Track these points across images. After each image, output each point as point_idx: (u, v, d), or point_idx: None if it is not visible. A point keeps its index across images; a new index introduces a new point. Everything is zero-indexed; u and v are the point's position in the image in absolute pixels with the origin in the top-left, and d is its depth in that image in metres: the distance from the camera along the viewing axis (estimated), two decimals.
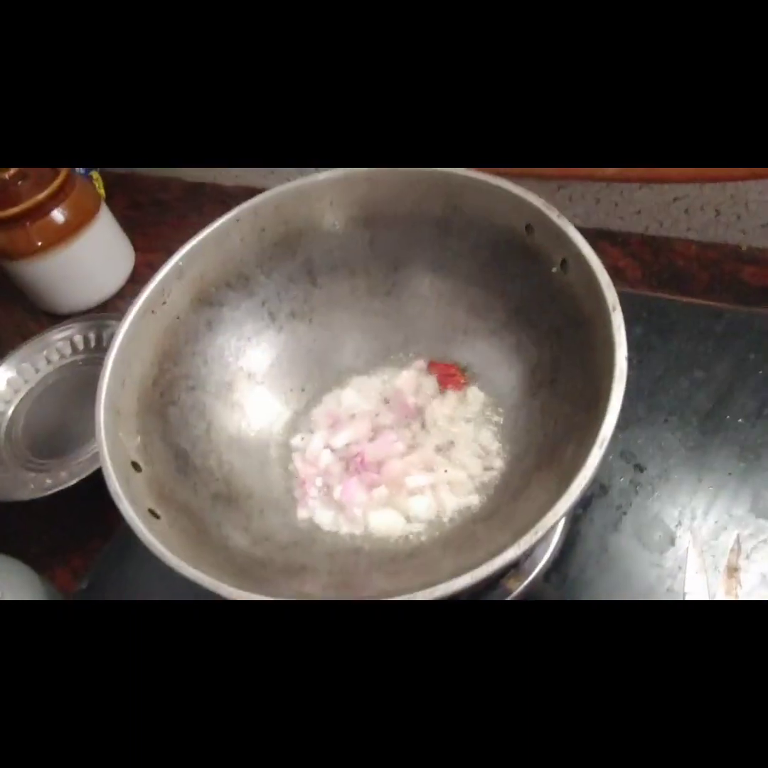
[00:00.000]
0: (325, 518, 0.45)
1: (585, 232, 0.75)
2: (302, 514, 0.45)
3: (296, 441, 0.48)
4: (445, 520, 0.43)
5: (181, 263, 0.47)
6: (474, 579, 0.32)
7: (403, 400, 0.48)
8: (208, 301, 0.49)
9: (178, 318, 0.47)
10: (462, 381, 0.48)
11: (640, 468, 0.49)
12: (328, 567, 0.42)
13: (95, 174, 1.00)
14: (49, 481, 0.62)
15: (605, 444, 0.34)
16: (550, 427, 0.42)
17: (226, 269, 0.49)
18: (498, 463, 0.45)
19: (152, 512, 0.39)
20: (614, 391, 0.35)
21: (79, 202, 0.83)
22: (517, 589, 0.45)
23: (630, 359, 0.50)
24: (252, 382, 0.50)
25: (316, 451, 0.47)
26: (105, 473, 0.38)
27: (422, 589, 0.32)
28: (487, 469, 0.45)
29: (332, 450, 0.47)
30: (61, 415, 0.69)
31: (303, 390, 0.51)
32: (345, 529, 0.44)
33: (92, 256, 0.85)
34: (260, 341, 0.51)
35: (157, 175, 1.03)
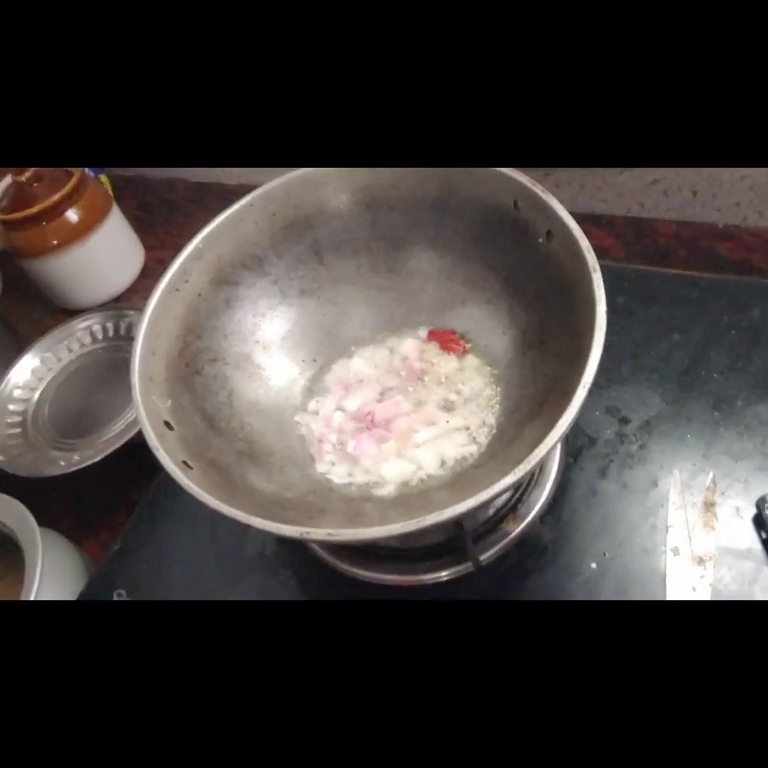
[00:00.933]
0: (341, 470, 0.49)
1: (574, 215, 0.79)
2: (321, 468, 0.50)
3: (312, 404, 0.53)
4: (449, 467, 0.48)
5: (200, 245, 0.51)
6: (477, 501, 0.36)
7: (408, 364, 0.53)
8: (226, 280, 0.53)
9: (199, 295, 0.52)
10: (461, 346, 0.53)
11: (624, 421, 0.53)
12: (344, 509, 0.46)
13: (103, 177, 1.04)
14: (76, 457, 0.66)
15: (588, 384, 0.38)
16: (540, 382, 0.47)
17: (241, 251, 0.54)
18: (494, 417, 0.49)
19: (186, 464, 0.43)
20: (596, 339, 0.39)
21: (92, 203, 0.88)
22: (515, 530, 0.50)
23: (614, 325, 0.55)
24: (267, 353, 0.54)
25: (330, 412, 0.52)
26: (144, 429, 0.43)
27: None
28: (484, 422, 0.49)
29: (344, 411, 0.52)
30: (84, 399, 0.74)
31: (315, 360, 0.56)
32: (359, 479, 0.49)
33: (105, 253, 0.89)
34: (274, 316, 0.55)
35: (163, 176, 1.08)
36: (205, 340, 0.52)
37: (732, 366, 0.54)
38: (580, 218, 0.84)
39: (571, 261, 0.45)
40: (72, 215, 0.85)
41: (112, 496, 0.69)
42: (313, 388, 0.54)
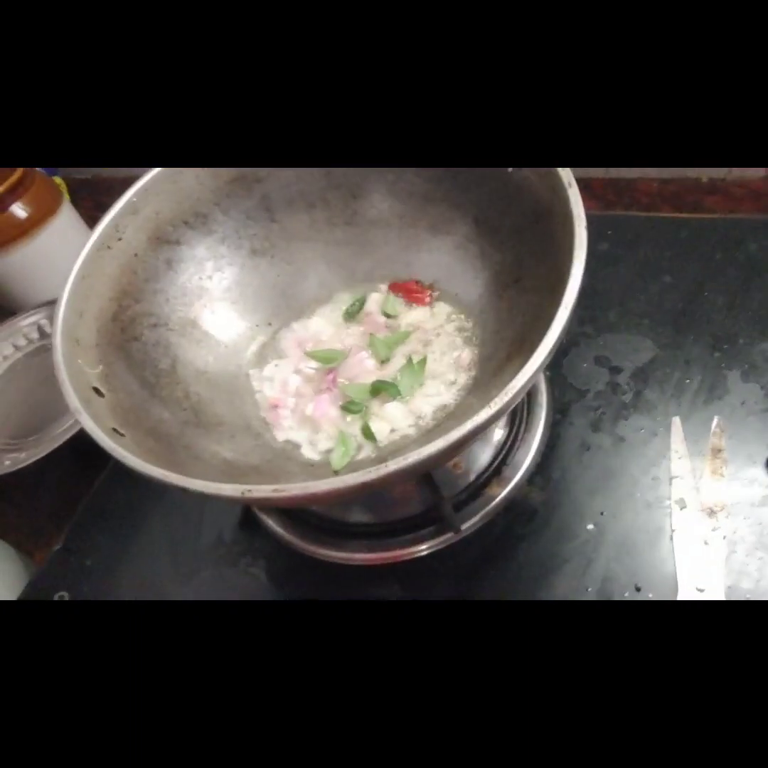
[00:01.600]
0: (301, 436, 0.44)
1: None
2: (279, 435, 0.44)
3: (269, 369, 0.47)
4: (424, 422, 0.42)
5: (134, 199, 0.46)
6: (446, 442, 0.31)
7: (372, 319, 0.47)
8: (166, 239, 0.48)
9: (135, 255, 0.46)
10: (427, 296, 0.48)
11: (616, 370, 0.48)
12: (306, 477, 0.40)
13: (58, 179, 1.00)
14: (23, 455, 0.60)
15: (571, 305, 0.33)
16: (518, 322, 0.42)
17: (182, 208, 0.49)
18: (468, 366, 0.44)
19: (116, 431, 0.37)
20: (576, 257, 0.34)
21: (40, 197, 0.82)
22: (500, 494, 0.44)
23: (598, 273, 0.50)
24: (216, 317, 0.49)
25: (287, 376, 0.46)
26: (64, 392, 0.37)
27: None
28: (458, 373, 0.44)
29: (303, 373, 0.46)
30: (31, 397, 0.68)
31: (269, 324, 0.50)
32: (323, 445, 0.43)
33: (56, 250, 0.84)
34: (222, 278, 0.50)
35: (120, 175, 1.03)
36: (144, 304, 0.46)
37: (731, 304, 0.49)
38: None
39: (544, 184, 0.40)
40: (17, 210, 0.80)
41: (64, 502, 0.63)
42: (268, 352, 0.49)
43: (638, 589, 0.39)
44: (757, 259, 0.50)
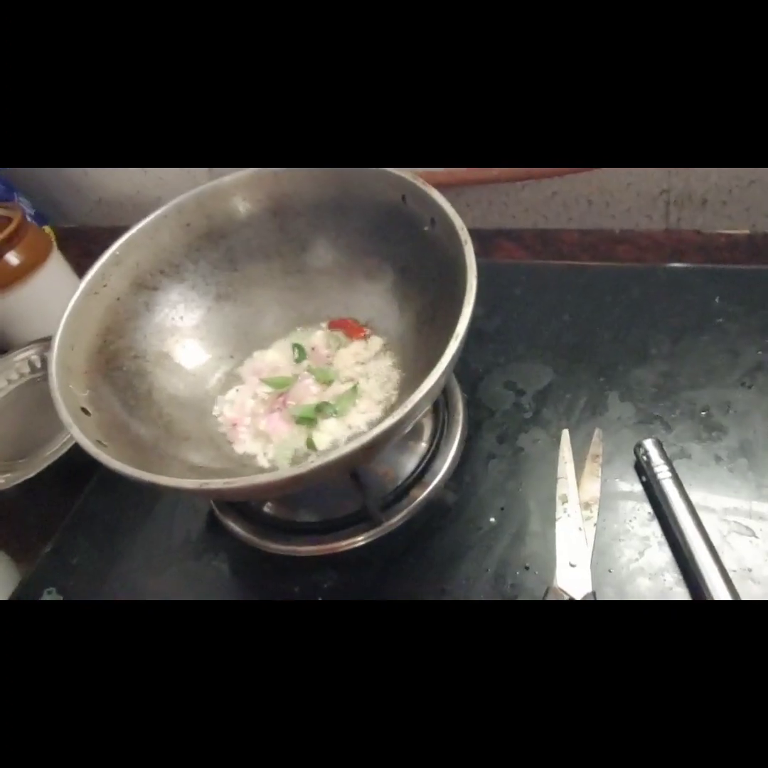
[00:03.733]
0: (255, 448, 0.53)
1: (484, 232, 0.86)
2: (238, 449, 0.53)
3: (231, 393, 0.57)
4: (358, 432, 0.52)
5: (117, 253, 0.56)
6: (359, 443, 0.39)
7: (317, 352, 0.57)
8: (145, 285, 0.57)
9: (118, 299, 0.56)
10: (363, 331, 0.57)
11: (520, 392, 0.58)
12: None
13: (47, 227, 1.09)
14: (15, 474, 0.68)
15: (460, 336, 0.43)
16: (431, 351, 0.51)
17: (158, 259, 0.58)
18: (395, 388, 0.54)
19: (99, 442, 0.46)
20: (467, 300, 0.44)
21: (32, 246, 0.92)
22: (420, 495, 0.53)
23: (512, 312, 0.60)
24: (186, 351, 0.58)
25: (243, 399, 0.55)
26: (59, 411, 0.46)
27: None
28: (388, 393, 0.53)
29: (258, 397, 0.55)
30: (24, 425, 0.76)
31: (232, 356, 0.60)
32: (271, 454, 0.52)
33: (46, 294, 0.93)
34: (192, 318, 0.59)
35: (106, 224, 1.13)
36: (125, 339, 0.56)
37: (614, 338, 0.59)
38: (492, 234, 0.91)
39: (450, 241, 0.49)
40: (11, 258, 0.89)
41: (50, 515, 0.70)
42: (231, 380, 0.58)
43: (527, 568, 0.48)
44: (638, 301, 0.61)
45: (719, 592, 0.42)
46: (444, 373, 0.42)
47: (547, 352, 0.60)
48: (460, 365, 0.60)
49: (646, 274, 0.64)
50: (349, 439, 0.52)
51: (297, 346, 0.58)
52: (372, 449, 0.42)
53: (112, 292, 0.55)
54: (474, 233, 0.93)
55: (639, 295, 0.61)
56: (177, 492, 0.41)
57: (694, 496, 0.47)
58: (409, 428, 0.46)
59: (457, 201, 0.88)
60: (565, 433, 0.53)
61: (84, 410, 0.49)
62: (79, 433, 0.45)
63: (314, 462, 0.39)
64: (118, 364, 0.54)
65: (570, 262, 0.69)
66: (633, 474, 0.50)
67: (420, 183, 0.53)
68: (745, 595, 0.42)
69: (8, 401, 0.79)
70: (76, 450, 0.66)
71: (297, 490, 0.47)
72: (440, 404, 0.57)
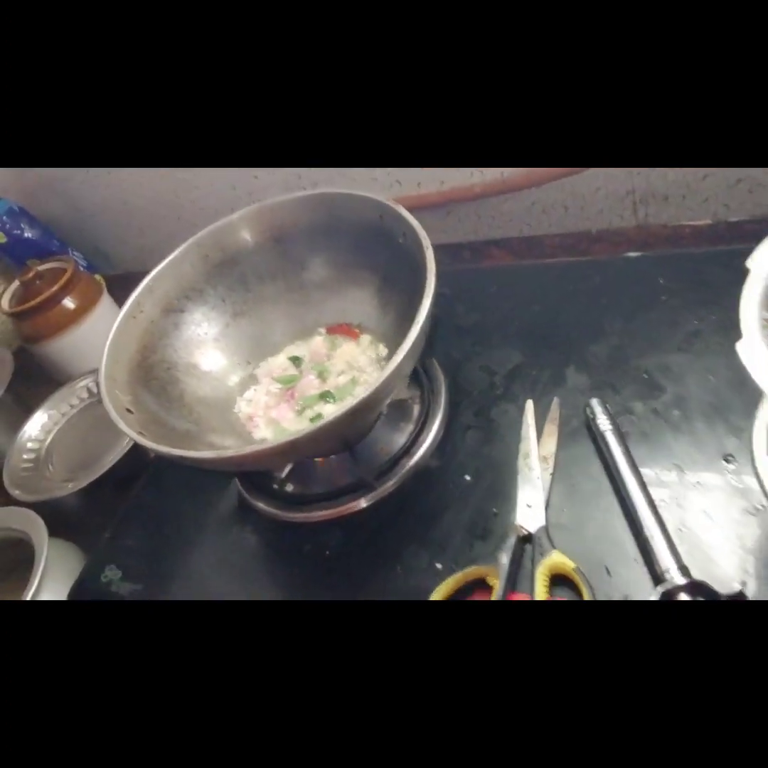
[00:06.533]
0: (268, 433, 0.63)
1: (477, 243, 0.95)
2: (256, 435, 0.64)
3: (249, 393, 0.68)
4: None
5: (150, 284, 0.68)
6: (340, 410, 0.49)
7: (317, 354, 0.68)
8: (173, 308, 0.69)
9: (152, 322, 0.68)
10: (356, 333, 0.68)
11: (494, 373, 0.67)
12: None
13: (98, 275, 1.24)
14: (76, 483, 0.81)
15: (419, 324, 0.53)
16: None
17: (183, 286, 0.70)
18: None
19: (141, 434, 0.57)
20: (426, 294, 0.54)
21: (84, 292, 1.06)
22: (409, 464, 0.63)
23: (489, 307, 0.70)
24: (211, 361, 0.70)
25: (260, 397, 0.66)
26: (108, 411, 0.57)
27: None
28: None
29: (271, 393, 0.66)
30: (84, 441, 0.89)
31: (248, 362, 0.71)
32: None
33: (98, 333, 1.06)
34: (214, 333, 0.71)
35: (149, 268, 1.27)
36: (159, 354, 0.67)
37: (576, 321, 0.68)
38: (483, 244, 1.00)
39: (418, 250, 0.60)
40: (68, 303, 1.03)
41: (106, 514, 0.82)
42: (248, 381, 0.69)
43: (495, 514, 0.57)
44: (598, 288, 0.69)
45: (648, 522, 0.50)
46: (407, 355, 0.52)
47: (518, 338, 0.69)
48: (443, 356, 0.70)
49: (605, 265, 0.72)
50: None
51: (294, 359, 0.69)
52: (353, 416, 0.51)
53: (147, 316, 0.67)
54: (467, 245, 1.04)
55: (599, 283, 0.70)
56: (201, 462, 0.52)
57: (635, 445, 0.55)
58: (386, 400, 0.56)
59: (449, 218, 0.99)
60: (529, 403, 0.62)
61: (128, 410, 0.60)
62: (124, 426, 0.56)
63: (304, 430, 0.50)
64: (154, 374, 0.66)
65: (540, 260, 0.78)
66: (584, 432, 0.59)
67: (392, 203, 0.63)
68: (671, 522, 0.51)
69: (71, 422, 0.92)
70: (126, 460, 0.78)
71: (297, 457, 0.57)
72: (425, 389, 0.67)
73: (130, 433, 0.55)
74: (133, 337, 0.66)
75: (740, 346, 0.41)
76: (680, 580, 0.46)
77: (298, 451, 0.52)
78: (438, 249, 0.96)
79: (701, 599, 0.45)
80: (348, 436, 0.58)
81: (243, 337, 0.72)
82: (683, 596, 0.45)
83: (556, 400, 0.62)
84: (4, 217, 1.13)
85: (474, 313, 0.73)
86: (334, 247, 0.69)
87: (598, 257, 0.79)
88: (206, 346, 0.70)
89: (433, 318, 0.65)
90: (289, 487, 0.67)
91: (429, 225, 0.64)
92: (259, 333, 0.72)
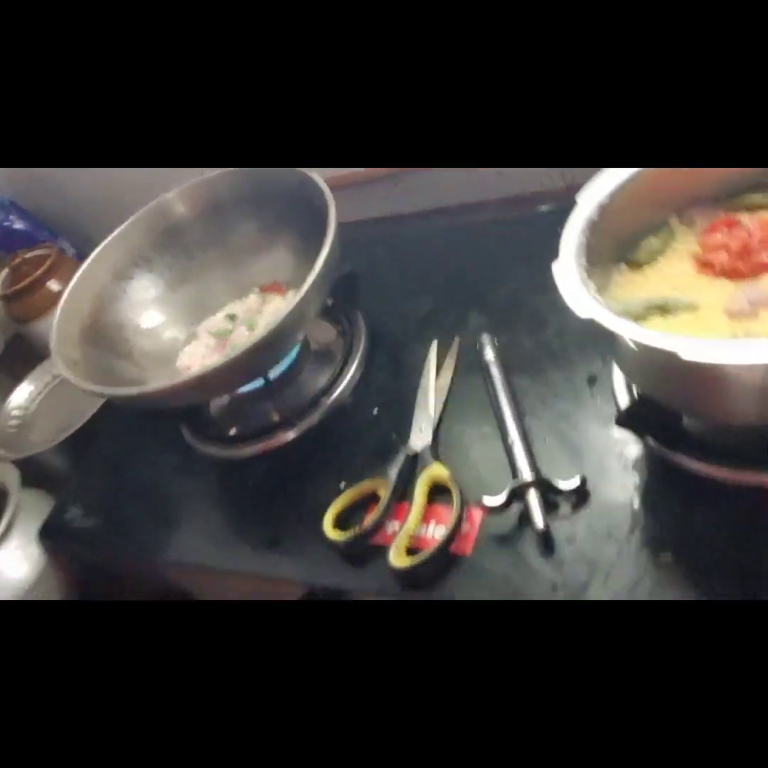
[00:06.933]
0: None
1: (423, 213, 1.01)
2: None
3: (188, 348, 0.76)
4: None
5: (101, 252, 0.76)
6: (250, 341, 0.57)
7: (250, 310, 0.75)
8: (123, 276, 0.77)
9: (104, 288, 0.76)
10: (283, 289, 0.75)
11: (410, 319, 0.74)
12: None
13: None
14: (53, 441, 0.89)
15: (317, 270, 0.60)
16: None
17: (133, 255, 0.78)
18: None
19: (73, 372, 0.65)
20: (325, 244, 0.61)
21: (68, 275, 1.13)
22: (328, 402, 0.70)
23: (408, 263, 0.77)
24: (157, 321, 0.78)
25: (196, 350, 0.74)
26: (56, 364, 0.66)
27: None
28: None
29: (209, 347, 0.74)
30: (64, 408, 0.98)
31: (191, 322, 0.79)
32: None
33: None
34: (160, 296, 0.79)
35: None
36: (110, 316, 0.76)
37: (484, 272, 0.74)
38: (429, 212, 1.06)
39: (326, 209, 0.66)
40: (52, 285, 1.12)
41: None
42: (189, 337, 0.77)
43: (394, 439, 0.63)
44: (509, 242, 0.76)
45: (512, 432, 0.57)
46: (304, 297, 0.60)
47: (432, 290, 0.76)
48: (366, 308, 0.77)
49: (519, 221, 0.79)
50: None
51: (230, 316, 0.77)
52: (256, 351, 0.59)
53: (98, 282, 0.76)
54: (416, 215, 1.10)
55: (511, 237, 0.76)
56: (126, 397, 0.60)
57: (518, 374, 0.62)
58: (290, 336, 0.64)
59: (395, 189, 1.06)
60: (434, 344, 0.69)
61: (75, 362, 0.68)
62: (69, 374, 0.64)
63: (216, 362, 0.57)
64: (104, 333, 0.74)
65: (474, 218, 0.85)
66: (476, 366, 0.65)
67: (307, 171, 0.70)
68: (538, 434, 0.57)
69: (54, 391, 1.02)
70: (94, 419, 0.86)
71: (214, 389, 0.65)
72: (347, 338, 0.74)
73: (68, 376, 0.64)
74: (85, 301, 0.74)
75: (555, 266, 0.48)
76: (529, 477, 0.53)
77: (210, 382, 0.59)
78: (385, 219, 1.03)
79: (546, 491, 0.52)
80: (257, 369, 0.65)
81: (186, 299, 0.79)
82: (532, 491, 0.52)
83: (456, 339, 0.68)
84: None
85: (396, 271, 0.80)
86: (263, 215, 0.77)
87: (506, 213, 0.84)
88: (153, 308, 0.78)
89: (356, 276, 0.73)
90: (232, 431, 0.74)
91: (380, 195, 0.71)
92: (201, 296, 0.80)
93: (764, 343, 0.36)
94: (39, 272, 1.10)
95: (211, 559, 0.64)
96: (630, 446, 0.54)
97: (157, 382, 0.59)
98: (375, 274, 0.80)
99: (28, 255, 1.16)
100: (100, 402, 0.90)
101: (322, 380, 0.72)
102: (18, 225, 1.25)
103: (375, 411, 0.67)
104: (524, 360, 0.64)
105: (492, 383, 0.62)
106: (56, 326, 0.70)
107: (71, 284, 0.74)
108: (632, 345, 0.42)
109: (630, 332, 0.40)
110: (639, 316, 0.48)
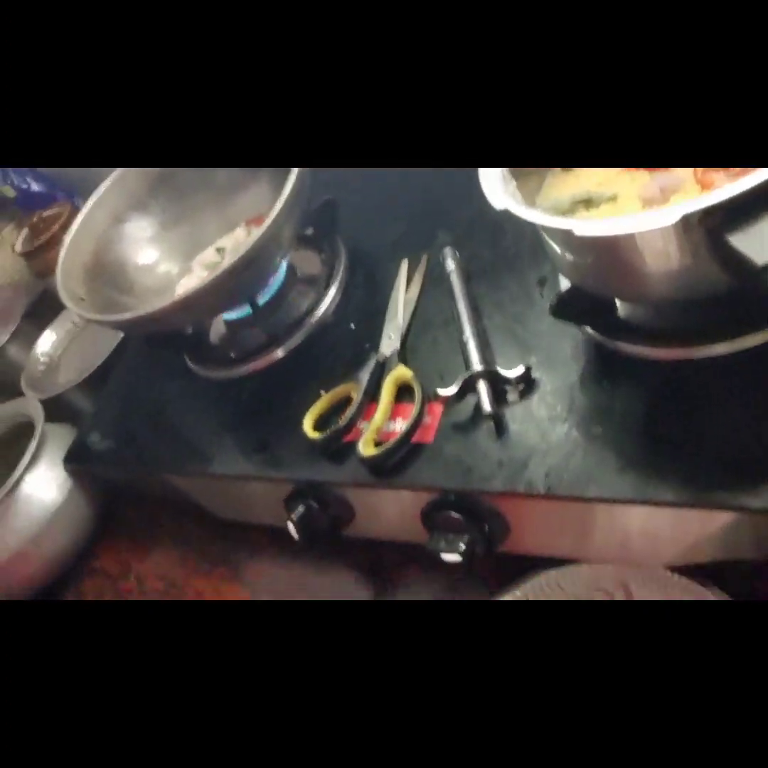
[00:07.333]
0: None
1: None
2: None
3: (184, 280, 0.82)
4: None
5: (101, 196, 0.82)
6: (228, 263, 0.63)
7: (238, 243, 0.81)
8: (121, 219, 0.84)
9: (104, 230, 0.82)
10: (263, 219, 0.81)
11: (385, 244, 0.79)
12: None
13: None
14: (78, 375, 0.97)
15: (283, 198, 0.65)
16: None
17: (130, 200, 0.84)
18: None
19: (80, 304, 0.72)
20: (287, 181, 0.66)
21: None
22: (312, 321, 0.76)
23: (384, 195, 0.81)
24: (154, 257, 0.84)
25: (191, 281, 0.80)
26: (63, 299, 0.73)
27: None
28: None
29: (201, 278, 0.80)
30: (87, 350, 1.06)
31: (186, 258, 0.85)
32: None
33: None
34: (156, 235, 0.85)
35: None
36: (111, 255, 0.82)
37: (453, 195, 0.78)
38: None
39: None
40: None
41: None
42: (184, 270, 0.83)
43: (368, 349, 0.69)
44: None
45: (467, 331, 0.62)
46: (272, 223, 0.65)
47: (407, 212, 0.80)
48: (346, 234, 0.82)
49: None
50: None
51: (219, 249, 0.83)
52: (233, 273, 0.65)
53: (100, 225, 0.82)
54: None
55: None
56: (127, 322, 0.67)
57: (478, 282, 0.67)
58: (265, 260, 0.69)
59: None
60: (404, 262, 0.74)
61: (81, 298, 0.75)
62: (75, 307, 0.71)
63: (196, 285, 0.63)
64: (107, 270, 0.81)
65: None
66: (442, 279, 0.70)
67: None
68: (494, 336, 0.62)
69: (78, 336, 1.10)
70: (112, 356, 0.94)
71: (203, 310, 0.71)
72: (328, 261, 0.79)
73: (75, 309, 0.71)
74: (89, 241, 0.81)
75: (482, 169, 0.52)
76: (479, 367, 0.58)
77: (194, 305, 0.65)
78: None
79: (495, 380, 0.57)
80: (239, 292, 0.71)
81: (181, 237, 0.86)
82: (481, 381, 0.57)
83: (424, 256, 0.73)
84: (12, 174, 1.30)
85: (373, 200, 0.85)
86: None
87: None
88: (150, 246, 0.85)
89: (335, 204, 0.78)
90: (230, 355, 0.81)
91: None
92: (193, 233, 0.86)
93: (647, 213, 0.40)
94: (55, 228, 1.18)
95: (210, 467, 0.72)
96: (573, 338, 0.58)
97: (148, 305, 0.66)
98: (353, 202, 0.85)
99: (45, 213, 1.23)
100: (115, 343, 0.97)
101: (307, 303, 0.78)
102: (35, 187, 1.32)
103: (352, 326, 0.73)
104: (483, 269, 0.68)
105: (452, 291, 0.66)
106: (61, 266, 0.77)
107: (73, 227, 0.80)
108: (545, 234, 0.47)
109: (535, 218, 0.45)
110: (566, 210, 0.52)
